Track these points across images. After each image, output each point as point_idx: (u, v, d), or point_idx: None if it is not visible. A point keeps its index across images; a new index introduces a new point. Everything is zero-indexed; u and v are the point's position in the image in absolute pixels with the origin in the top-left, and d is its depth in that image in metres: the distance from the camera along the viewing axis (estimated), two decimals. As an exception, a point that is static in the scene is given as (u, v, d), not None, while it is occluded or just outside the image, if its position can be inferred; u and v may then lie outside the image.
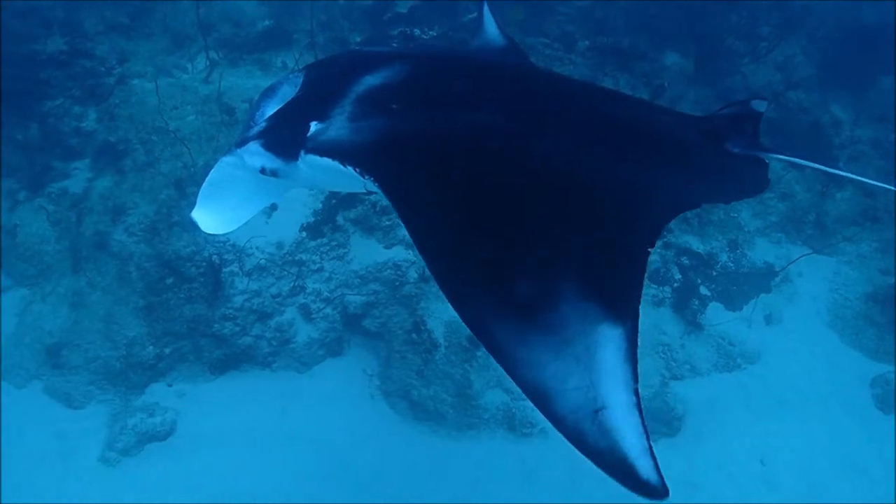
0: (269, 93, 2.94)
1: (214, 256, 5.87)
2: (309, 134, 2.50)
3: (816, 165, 3.16)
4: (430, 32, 7.97)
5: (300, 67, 3.08)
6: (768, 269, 6.83)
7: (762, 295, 6.66)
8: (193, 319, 5.85)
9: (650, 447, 1.65)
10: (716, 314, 6.48)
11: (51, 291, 6.31)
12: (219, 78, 7.65)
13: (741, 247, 6.87)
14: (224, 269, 5.88)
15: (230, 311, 5.86)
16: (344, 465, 5.56)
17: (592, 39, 8.18)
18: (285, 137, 2.54)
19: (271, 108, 2.83)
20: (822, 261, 7.09)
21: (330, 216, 6.28)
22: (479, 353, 5.91)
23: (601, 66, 8.06)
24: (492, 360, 5.69)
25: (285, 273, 6.04)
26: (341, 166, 2.34)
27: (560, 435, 5.38)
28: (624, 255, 2.05)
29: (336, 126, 2.50)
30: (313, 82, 2.84)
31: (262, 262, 5.98)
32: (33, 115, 7.55)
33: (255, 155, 2.57)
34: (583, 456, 1.67)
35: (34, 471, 5.28)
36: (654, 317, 6.32)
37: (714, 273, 6.63)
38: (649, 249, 2.09)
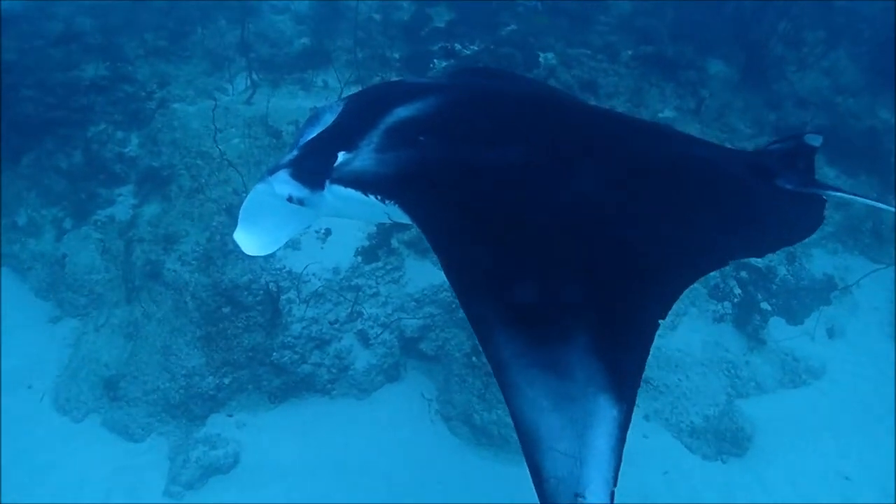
0: (312, 120, 2.99)
1: (271, 284, 5.79)
2: (336, 164, 2.54)
3: (873, 202, 3.01)
4: (472, 47, 7.89)
5: (343, 97, 3.05)
6: (828, 281, 6.69)
7: (823, 308, 6.53)
8: (252, 349, 5.79)
9: None
10: (778, 329, 6.35)
11: (104, 322, 6.27)
12: (261, 100, 7.62)
13: (799, 259, 6.74)
14: (281, 297, 5.81)
15: (289, 339, 5.79)
16: (408, 493, 5.47)
17: (635, 49, 8.08)
18: (313, 167, 2.58)
19: (319, 127, 2.88)
20: (881, 271, 6.94)
21: (384, 239, 6.21)
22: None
23: (646, 76, 7.96)
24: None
25: (342, 299, 5.96)
26: (364, 196, 2.38)
27: (628, 458, 5.19)
28: (638, 324, 1.98)
29: (362, 157, 2.54)
30: (349, 112, 2.88)
31: (320, 288, 5.90)
32: (76, 142, 7.53)
33: (283, 183, 2.62)
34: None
35: (100, 507, 5.21)
36: (716, 333, 6.20)
37: (774, 287, 6.50)
38: (660, 321, 2.00)
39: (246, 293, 5.80)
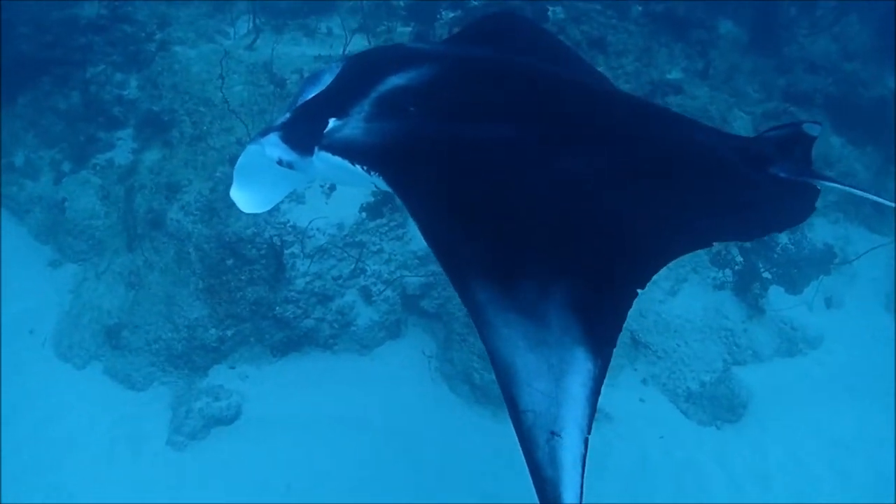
0: (312, 79, 2.98)
1: (275, 238, 5.76)
2: (325, 131, 2.55)
3: (870, 196, 2.99)
4: (482, -8, 7.71)
5: (344, 56, 3.01)
6: (828, 251, 6.72)
7: (822, 278, 6.58)
8: (255, 302, 5.79)
9: None
10: (777, 298, 6.41)
11: (105, 269, 6.24)
12: (264, 45, 7.45)
13: (801, 228, 6.74)
14: (285, 251, 5.79)
15: (292, 293, 5.79)
16: (407, 449, 5.56)
17: (646, 5, 7.92)
18: (303, 132, 2.60)
19: (317, 88, 2.88)
20: (880, 242, 6.98)
21: (389, 196, 6.15)
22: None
23: (655, 34, 7.82)
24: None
25: (346, 255, 5.94)
26: (350, 165, 2.42)
27: (626, 421, 5.27)
28: (615, 290, 2.05)
29: (351, 125, 2.55)
30: (345, 76, 2.87)
31: (324, 243, 5.87)
32: (74, 83, 7.36)
33: (273, 146, 2.64)
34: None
35: (104, 455, 5.28)
36: (715, 300, 6.25)
37: (775, 256, 6.53)
38: (638, 290, 2.06)
39: (250, 246, 5.78)
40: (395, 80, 2.70)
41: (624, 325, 5.49)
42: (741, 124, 7.12)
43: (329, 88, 2.83)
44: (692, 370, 5.95)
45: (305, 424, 5.59)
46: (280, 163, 2.65)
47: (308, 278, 5.83)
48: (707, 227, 2.45)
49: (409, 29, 7.63)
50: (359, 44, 7.41)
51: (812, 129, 2.90)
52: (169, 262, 5.93)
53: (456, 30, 7.08)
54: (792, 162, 2.81)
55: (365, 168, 2.37)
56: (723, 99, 7.34)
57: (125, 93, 7.39)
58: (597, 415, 5.24)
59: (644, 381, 5.99)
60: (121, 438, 5.40)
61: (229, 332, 5.78)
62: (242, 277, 5.78)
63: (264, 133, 2.69)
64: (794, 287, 6.51)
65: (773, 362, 6.11)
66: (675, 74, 7.68)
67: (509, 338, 1.85)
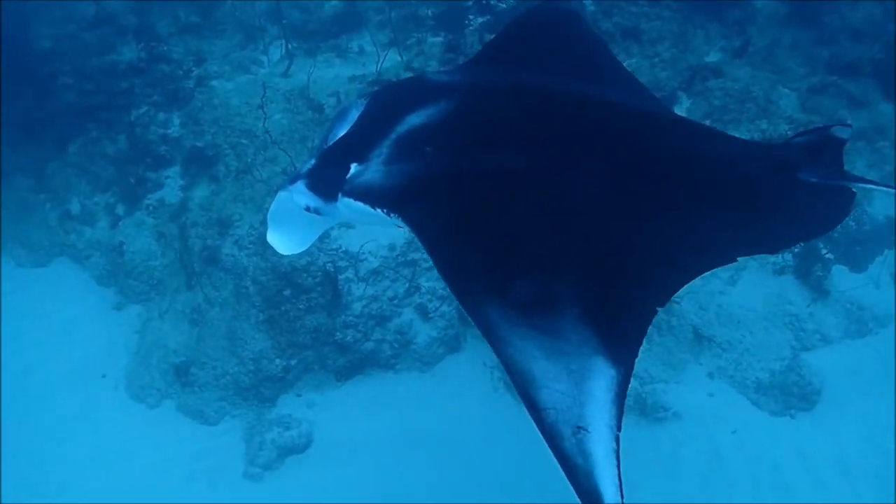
0: (340, 115, 3.04)
1: (329, 265, 5.83)
2: (347, 177, 2.62)
3: None
4: (509, 1, 7.65)
5: (368, 93, 3.15)
6: (890, 224, 6.52)
7: (887, 252, 6.39)
8: (315, 329, 5.87)
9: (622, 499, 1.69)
10: (841, 277, 6.24)
11: (168, 308, 6.39)
12: (298, 70, 7.54)
13: (860, 203, 6.55)
14: (340, 277, 5.85)
15: (350, 318, 5.85)
16: (478, 463, 5.58)
17: (679, -12, 7.77)
18: (327, 179, 2.68)
19: (346, 125, 2.95)
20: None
21: (437, 212, 6.17)
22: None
23: (690, 17, 7.67)
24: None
25: (399, 275, 5.98)
26: (371, 209, 2.49)
27: (695, 418, 5.17)
28: (635, 310, 2.08)
29: (371, 169, 2.61)
30: (367, 116, 2.93)
31: (377, 266, 5.93)
32: (120, 127, 7.55)
33: (300, 194, 2.74)
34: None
35: (183, 491, 5.41)
36: (777, 286, 6.12)
37: (835, 234, 6.35)
38: (658, 308, 2.09)
39: (305, 275, 5.86)
40: (413, 120, 2.74)
41: (685, 320, 5.37)
42: (787, 102, 6.95)
43: (352, 131, 2.89)
44: (760, 360, 5.84)
45: (374, 446, 5.65)
46: (308, 209, 2.75)
47: (364, 301, 5.88)
48: (731, 241, 2.44)
49: (440, 39, 7.62)
50: (392, 59, 7.45)
51: (842, 132, 2.82)
52: (228, 297, 6.05)
53: (488, 36, 7.08)
54: (822, 166, 2.74)
55: (385, 211, 2.45)
56: (765, 77, 7.16)
57: (169, 131, 7.55)
58: (665, 413, 5.19)
59: (710, 376, 5.90)
60: (199, 473, 5.54)
61: (293, 361, 5.87)
62: (301, 306, 5.86)
63: (293, 180, 2.79)
64: (857, 265, 6.34)
65: (843, 345, 5.96)
66: (713, 56, 7.53)
67: (524, 349, 1.88)
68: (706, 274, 6.06)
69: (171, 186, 7.30)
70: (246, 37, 8.10)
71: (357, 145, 2.74)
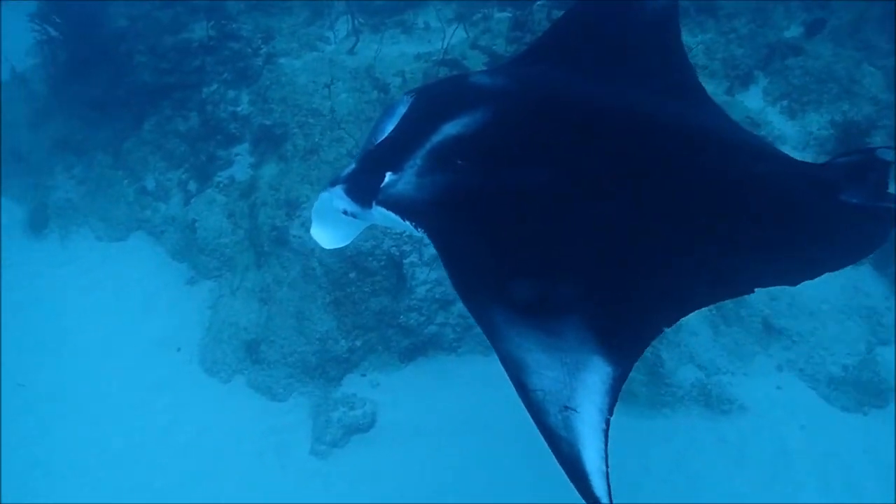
0: (386, 114, 3.08)
1: (394, 249, 5.89)
2: (382, 185, 2.67)
3: None
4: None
5: (412, 91, 3.15)
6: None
7: (974, 243, 6.07)
8: (379, 312, 5.96)
9: (608, 474, 1.79)
10: (923, 270, 5.98)
11: (238, 286, 6.58)
12: (364, 48, 7.54)
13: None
14: (404, 261, 5.91)
15: (414, 301, 5.92)
16: (542, 448, 5.60)
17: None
18: (363, 186, 2.74)
19: (388, 129, 2.98)
20: None
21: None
22: (667, 330, 5.73)
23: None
24: (682, 335, 5.45)
25: (463, 259, 6.00)
26: (402, 220, 2.55)
27: (762, 411, 5.05)
28: (643, 325, 2.17)
29: (404, 180, 2.66)
30: (406, 119, 2.96)
31: (441, 250, 5.95)
32: (192, 105, 7.72)
33: (338, 199, 2.81)
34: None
35: (254, 466, 5.63)
36: (854, 278, 5.90)
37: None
38: (665, 329, 2.18)
39: (370, 259, 5.94)
40: (448, 129, 2.77)
41: (755, 311, 5.25)
42: (872, 81, 6.61)
43: (391, 136, 2.93)
44: (832, 353, 5.68)
45: (436, 428, 5.75)
46: (345, 213, 2.82)
47: (428, 286, 5.94)
48: (759, 268, 2.44)
49: (507, 14, 7.49)
50: (458, 36, 7.37)
51: (887, 155, 2.69)
52: (296, 278, 6.19)
53: (556, 13, 6.92)
54: (865, 187, 2.64)
55: (413, 224, 2.51)
56: (849, 55, 6.81)
57: (238, 109, 7.67)
58: (731, 406, 5.10)
59: (780, 368, 5.77)
60: (268, 449, 5.74)
61: (358, 343, 5.99)
62: (366, 289, 5.95)
63: (333, 183, 2.86)
64: (941, 257, 6.05)
65: (924, 340, 5.74)
66: (793, 32, 7.20)
67: (522, 344, 2.00)
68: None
69: (241, 164, 7.44)
70: (313, 13, 8.13)
71: (393, 153, 2.79)
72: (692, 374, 5.73)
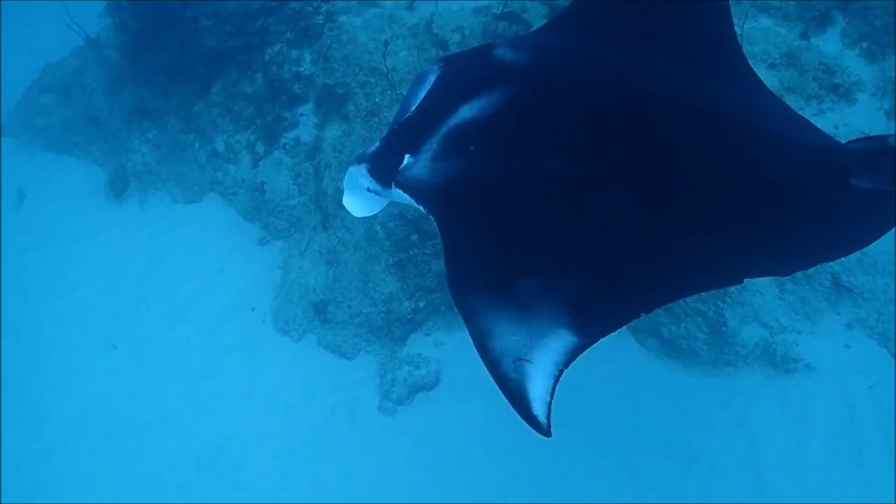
0: (417, 83, 3.16)
1: (454, 211, 5.96)
2: (401, 167, 2.78)
3: None
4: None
5: (441, 60, 3.23)
6: None
7: None
8: (441, 274, 6.08)
9: (550, 402, 2.03)
10: None
11: (306, 247, 6.80)
12: (423, 2, 7.46)
13: None
14: (465, 223, 5.97)
15: (475, 263, 6.00)
16: (604, 407, 5.71)
17: None
18: (384, 166, 2.87)
19: (420, 96, 3.08)
20: None
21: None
22: (731, 290, 5.68)
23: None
24: (746, 295, 5.38)
25: (523, 220, 6.03)
26: (416, 203, 2.69)
27: (829, 370, 5.01)
28: (620, 311, 2.30)
29: (420, 164, 2.76)
30: (430, 96, 3.04)
31: (500, 212, 5.99)
32: (256, 66, 7.85)
33: (363, 177, 2.98)
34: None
35: (326, 422, 5.94)
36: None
37: None
38: (643, 314, 2.30)
39: (431, 221, 6.02)
40: (465, 112, 2.84)
41: (823, 267, 5.12)
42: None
43: (414, 114, 3.02)
44: (905, 311, 5.51)
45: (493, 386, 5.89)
46: (368, 190, 3.00)
47: (489, 247, 6.00)
48: (749, 263, 2.49)
49: (568, -39, 7.26)
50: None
51: None
52: (360, 240, 6.36)
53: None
54: (877, 173, 2.61)
55: (425, 209, 2.65)
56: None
57: (301, 69, 7.76)
58: (796, 365, 5.05)
59: (849, 326, 5.64)
60: (340, 405, 6.03)
61: (421, 304, 6.15)
62: (427, 251, 6.07)
63: (360, 160, 3.01)
64: None
65: None
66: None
67: (493, 319, 2.21)
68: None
69: (306, 125, 7.58)
70: (372, -33, 8.06)
71: (413, 134, 2.90)
72: (756, 333, 5.66)
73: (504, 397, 2.07)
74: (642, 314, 2.30)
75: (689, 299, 5.71)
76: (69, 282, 7.40)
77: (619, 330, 5.88)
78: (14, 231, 8.05)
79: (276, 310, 6.69)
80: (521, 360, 2.08)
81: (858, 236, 2.62)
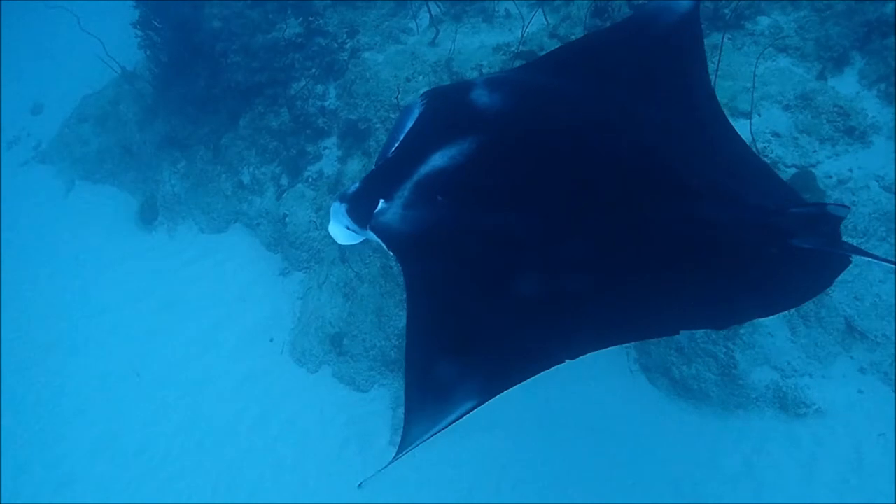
0: (406, 113, 3.25)
1: (467, 249, 6.05)
2: (375, 211, 2.86)
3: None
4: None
5: (425, 94, 3.31)
6: None
7: None
8: (454, 309, 6.17)
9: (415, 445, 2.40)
10: None
11: (325, 280, 6.96)
12: (445, 38, 7.63)
13: None
14: (477, 261, 6.07)
15: (487, 300, 6.09)
16: (612, 445, 5.73)
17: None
18: (361, 209, 2.95)
19: (405, 130, 3.17)
20: None
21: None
22: (742, 332, 5.67)
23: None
24: (756, 337, 5.38)
25: (535, 258, 6.10)
26: (387, 249, 2.79)
27: (840, 415, 4.95)
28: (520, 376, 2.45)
29: (392, 210, 2.85)
30: (409, 137, 3.13)
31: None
32: (282, 101, 8.07)
33: (342, 216, 3.08)
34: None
35: (339, 455, 6.04)
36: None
37: None
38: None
39: (444, 258, 6.13)
40: (436, 160, 2.92)
41: (836, 311, 5.10)
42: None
43: (393, 156, 3.10)
44: (920, 358, 5.45)
45: (508, 422, 5.95)
46: (348, 228, 3.10)
47: (501, 284, 6.08)
48: (683, 313, 2.58)
49: (588, 1, 7.36)
50: (538, 22, 7.34)
51: (839, 211, 2.70)
52: (376, 275, 6.49)
53: (637, 1, 6.76)
54: (817, 235, 2.68)
55: (395, 257, 2.77)
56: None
57: (326, 103, 7.98)
58: (807, 409, 5.01)
59: (862, 371, 5.59)
60: (352, 438, 6.14)
61: (434, 339, 6.24)
62: (440, 288, 6.17)
63: (341, 199, 3.13)
64: None
65: None
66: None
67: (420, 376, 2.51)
68: (863, 262, 5.68)
69: (329, 158, 7.77)
70: (397, 4, 8.26)
71: (388, 178, 2.99)
72: (767, 376, 5.64)
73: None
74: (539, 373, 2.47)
75: (698, 340, 5.72)
76: (98, 307, 7.66)
77: (631, 368, 5.95)
78: (46, 257, 8.35)
79: (294, 341, 6.84)
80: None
81: (797, 293, 2.72)
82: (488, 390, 2.42)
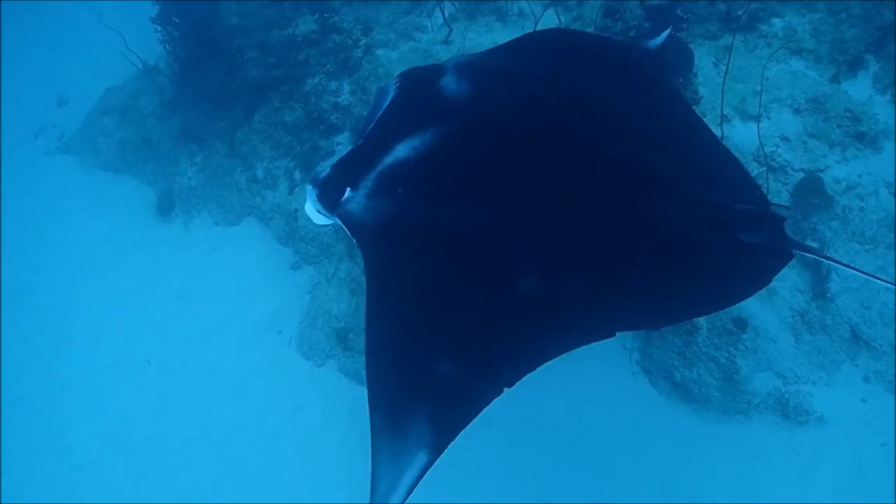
0: (381, 95, 3.31)
1: (471, 248, 6.09)
2: (342, 199, 2.94)
3: (846, 265, 3.02)
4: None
5: (399, 76, 3.37)
6: None
7: None
8: (458, 307, 6.21)
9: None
10: None
11: (333, 274, 7.03)
12: (459, 36, 7.66)
13: None
14: (481, 260, 6.10)
15: (490, 299, 6.12)
16: (612, 446, 5.74)
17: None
18: (331, 193, 3.03)
19: (378, 114, 3.23)
20: None
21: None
22: (744, 337, 5.65)
23: (891, -37, 6.72)
24: (759, 342, 5.36)
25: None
26: (351, 237, 2.88)
27: (842, 424, 4.97)
28: (475, 400, 2.56)
29: (356, 200, 2.92)
30: (380, 123, 3.17)
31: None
32: (297, 97, 8.15)
33: (313, 200, 3.15)
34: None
35: (340, 450, 6.12)
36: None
37: None
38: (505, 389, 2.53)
39: (449, 257, 6.17)
40: (400, 151, 2.98)
41: (842, 318, 5.08)
42: None
43: (362, 145, 3.16)
44: (925, 367, 5.39)
45: (508, 423, 5.98)
46: (319, 211, 3.17)
47: (504, 284, 6.11)
48: (624, 314, 2.62)
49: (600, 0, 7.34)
50: (549, 20, 7.34)
51: (781, 212, 2.84)
52: (382, 272, 6.54)
53: (650, 2, 6.71)
54: (762, 231, 2.78)
55: (358, 245, 2.83)
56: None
57: (339, 99, 8.04)
58: (809, 417, 5.05)
59: (866, 379, 5.55)
60: (354, 432, 6.21)
61: (437, 336, 6.29)
62: (445, 286, 6.21)
63: (314, 183, 3.19)
64: None
65: None
66: (915, 9, 6.61)
67: (381, 394, 2.72)
68: (871, 270, 5.56)
69: (342, 153, 7.78)
70: (412, 2, 8.29)
71: (356, 166, 3.06)
72: (769, 382, 5.62)
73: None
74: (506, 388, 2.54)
75: (701, 344, 5.70)
76: (113, 295, 7.80)
77: (633, 371, 5.94)
78: (65, 245, 8.54)
79: (302, 334, 6.93)
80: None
81: (740, 289, 2.75)
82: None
